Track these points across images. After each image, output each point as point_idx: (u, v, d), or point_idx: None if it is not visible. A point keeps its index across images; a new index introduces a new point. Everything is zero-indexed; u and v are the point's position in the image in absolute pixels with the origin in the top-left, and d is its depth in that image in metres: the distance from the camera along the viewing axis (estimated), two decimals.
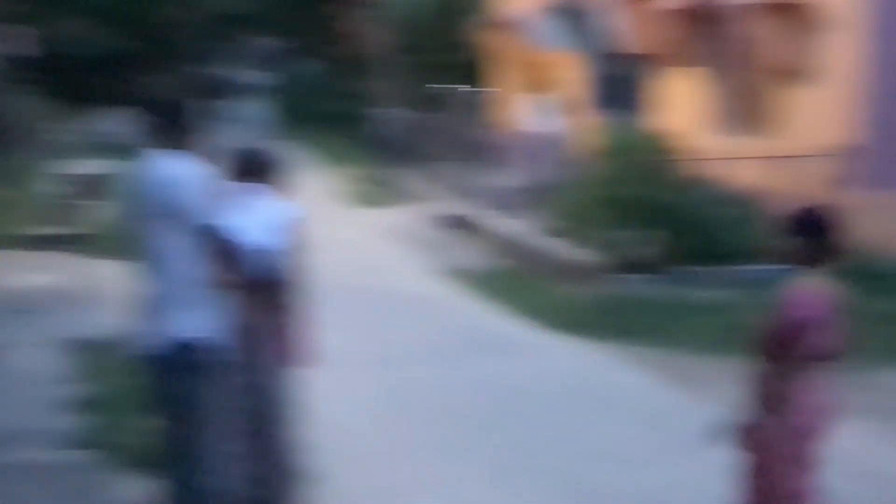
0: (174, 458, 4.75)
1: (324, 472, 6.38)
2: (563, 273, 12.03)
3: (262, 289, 5.08)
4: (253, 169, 5.34)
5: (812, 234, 4.62)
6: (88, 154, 23.30)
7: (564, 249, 12.10)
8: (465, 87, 22.17)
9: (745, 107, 13.96)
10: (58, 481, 6.12)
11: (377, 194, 19.76)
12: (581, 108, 18.33)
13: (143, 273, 4.78)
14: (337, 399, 7.98)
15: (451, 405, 7.93)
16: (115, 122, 27.74)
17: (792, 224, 4.67)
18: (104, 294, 11.10)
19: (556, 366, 9.03)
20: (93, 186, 19.65)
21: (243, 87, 39.03)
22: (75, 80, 30.75)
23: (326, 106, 30.28)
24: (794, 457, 4.65)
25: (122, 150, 24.82)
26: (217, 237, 4.72)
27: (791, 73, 12.80)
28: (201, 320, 4.65)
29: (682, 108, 14.86)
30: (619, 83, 17.91)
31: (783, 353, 4.61)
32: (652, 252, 11.82)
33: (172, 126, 4.80)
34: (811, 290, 4.63)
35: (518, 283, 12.06)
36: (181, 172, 4.65)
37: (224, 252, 4.78)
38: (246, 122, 34.74)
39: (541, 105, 16.43)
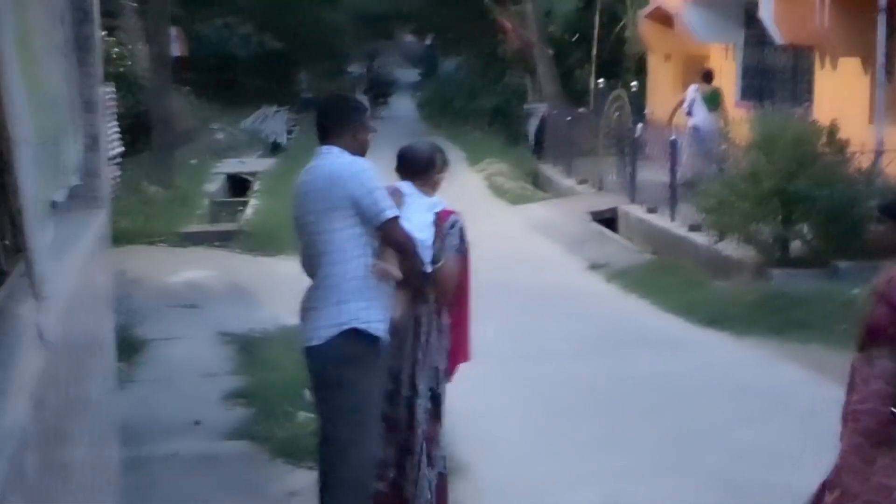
0: (331, 450, 4.84)
1: (475, 465, 6.52)
2: (716, 268, 11.91)
3: (424, 282, 5.19)
4: (410, 166, 5.43)
5: None
6: (241, 153, 24.04)
7: (716, 244, 11.97)
8: (616, 82, 22.08)
9: None
10: (221, 471, 6.38)
11: (527, 190, 19.83)
12: (733, 99, 18.06)
13: (311, 266, 4.90)
14: (489, 393, 8.10)
15: (602, 400, 7.97)
16: (267, 121, 28.42)
17: (887, 212, 4.77)
18: (260, 288, 11.50)
19: (708, 361, 8.97)
20: (247, 184, 20.30)
21: (394, 84, 39.65)
22: (227, 80, 31.66)
23: (475, 102, 30.44)
24: None
25: (273, 148, 25.59)
26: (398, 230, 4.84)
27: None
28: (368, 311, 4.76)
29: (840, 99, 14.51)
30: (777, 74, 17.60)
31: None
32: (806, 246, 11.62)
33: (337, 122, 4.92)
34: None
35: (670, 279, 11.98)
36: (352, 167, 4.77)
37: (402, 245, 4.89)
38: (397, 118, 35.29)
39: (696, 98, 16.22)
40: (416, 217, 5.19)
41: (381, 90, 38.39)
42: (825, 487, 5.02)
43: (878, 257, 4.93)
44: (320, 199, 4.76)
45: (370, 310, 4.75)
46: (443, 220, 5.31)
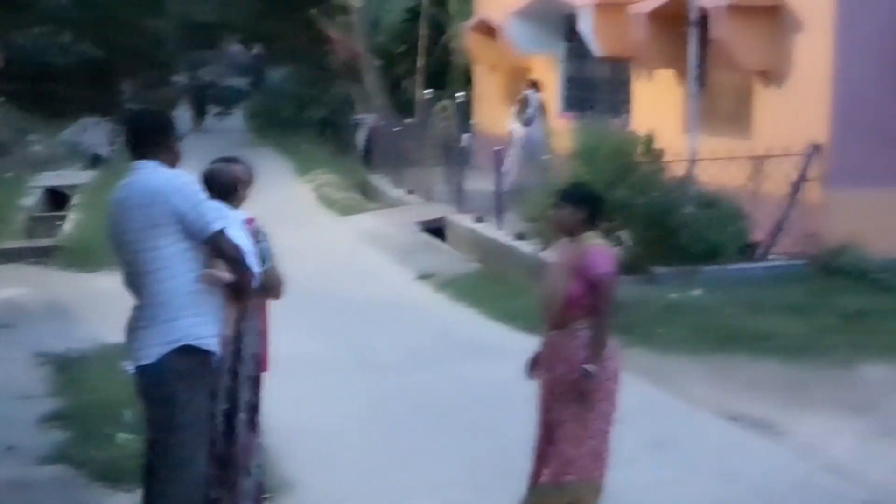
0: (163, 469, 4.75)
1: (304, 480, 6.47)
2: (540, 275, 12.12)
3: (248, 292, 5.15)
4: (215, 188, 5.30)
5: (586, 205, 5.39)
6: (60, 165, 23.32)
7: (541, 252, 12.21)
8: (443, 92, 22.29)
9: (719, 108, 14.11)
10: (34, 497, 6.17)
11: (354, 201, 19.82)
12: (557, 111, 18.47)
13: (136, 285, 4.80)
14: (317, 407, 8.06)
15: (432, 410, 8.02)
16: (87, 133, 27.66)
17: (567, 198, 5.44)
18: (79, 306, 11.18)
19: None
20: (66, 198, 19.70)
21: (218, 95, 39.03)
22: (46, 90, 30.68)
23: (303, 112, 30.27)
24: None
25: (94, 160, 24.89)
26: (226, 241, 4.79)
27: (763, 74, 12.96)
28: (200, 326, 4.70)
29: (656, 109, 14.99)
30: (597, 85, 18.06)
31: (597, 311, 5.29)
32: (626, 253, 11.94)
33: (154, 136, 4.83)
34: (605, 249, 5.41)
35: (497, 287, 12.16)
36: (174, 181, 4.69)
37: (233, 255, 4.84)
38: (220, 129, 34.79)
39: (518, 108, 16.53)
40: (233, 231, 5.15)
41: (206, 101, 37.74)
42: (540, 459, 5.50)
43: (559, 237, 5.62)
44: (141, 216, 4.66)
45: (202, 325, 4.71)
46: (250, 229, 5.33)
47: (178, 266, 4.65)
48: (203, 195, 4.78)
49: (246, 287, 5.04)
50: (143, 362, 4.70)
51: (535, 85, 17.29)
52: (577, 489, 5.40)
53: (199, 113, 33.76)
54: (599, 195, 5.70)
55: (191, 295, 4.68)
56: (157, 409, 4.72)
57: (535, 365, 5.66)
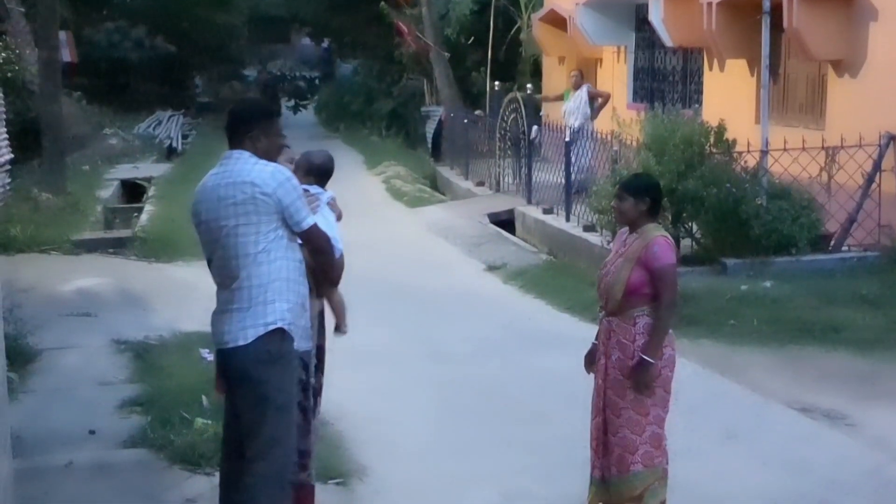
0: (253, 448, 4.84)
1: (374, 467, 6.60)
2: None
3: (332, 281, 5.36)
4: (312, 171, 5.63)
5: (648, 196, 5.50)
6: (135, 158, 23.75)
7: (609, 244, 12.21)
8: (512, 84, 22.32)
9: (791, 98, 14.01)
10: (117, 480, 6.35)
11: (423, 193, 19.95)
12: (625, 101, 18.42)
13: (227, 269, 4.90)
14: (388, 396, 8.19)
15: (500, 401, 8.11)
16: (164, 125, 28.09)
17: (628, 189, 5.53)
18: (155, 295, 11.43)
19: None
20: (141, 190, 20.07)
21: (290, 88, 39.39)
22: (120, 85, 31.23)
23: (373, 105, 30.47)
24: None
25: (168, 153, 25.33)
26: (318, 234, 4.96)
27: (836, 64, 12.84)
28: (291, 312, 4.85)
29: (727, 99, 14.91)
30: (667, 76, 17.99)
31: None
32: (696, 245, 11.93)
33: (249, 126, 4.95)
34: (668, 241, 5.52)
35: (565, 279, 12.19)
36: (278, 176, 4.82)
37: (322, 248, 5.02)
38: (290, 123, 35.11)
39: (588, 100, 16.53)
40: (327, 215, 5.43)
41: (279, 93, 38.09)
42: (598, 449, 5.64)
43: (623, 226, 5.68)
44: (241, 202, 4.79)
45: (293, 311, 4.84)
46: (333, 206, 5.61)
47: (274, 251, 4.80)
48: (300, 191, 4.93)
49: (331, 276, 5.21)
50: (236, 343, 4.80)
51: (602, 76, 17.25)
52: (644, 478, 5.47)
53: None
54: (660, 186, 5.80)
55: (286, 281, 4.83)
56: (250, 390, 4.80)
57: (591, 358, 5.75)
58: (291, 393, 4.92)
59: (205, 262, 5.13)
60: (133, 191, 20.34)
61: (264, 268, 4.80)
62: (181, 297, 11.07)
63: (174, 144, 26.18)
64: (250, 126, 4.95)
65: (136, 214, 17.07)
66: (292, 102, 37.09)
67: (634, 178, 5.90)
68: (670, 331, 5.55)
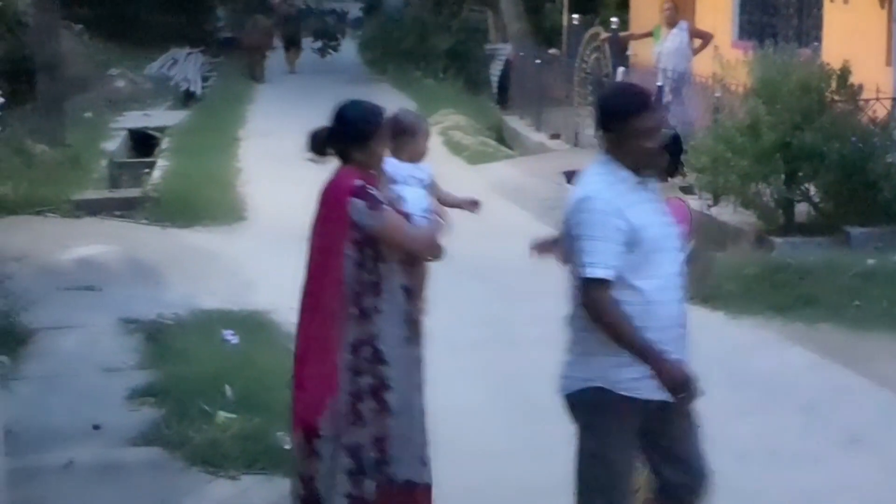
0: None
1: (439, 468, 6.59)
2: (710, 236, 12.05)
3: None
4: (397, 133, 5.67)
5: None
6: (146, 104, 23.92)
7: (710, 208, 12.13)
8: (594, 18, 22.18)
9: None
10: (126, 482, 6.42)
11: (488, 147, 19.91)
12: (729, 38, 18.22)
13: None
14: (450, 388, 8.17)
15: None
16: (180, 66, 28.23)
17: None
18: (170, 267, 11.50)
19: (700, 345, 8.93)
20: (154, 141, 20.21)
21: (316, 24, 39.31)
22: (128, 17, 31.36)
23: (428, 42, 30.40)
24: None
25: (185, 98, 25.45)
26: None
27: None
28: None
29: (852, 37, 14.69)
30: (780, 9, 17.77)
31: None
32: (814, 210, 11.80)
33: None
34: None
35: None
36: None
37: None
38: (335, 62, 35.16)
39: (683, 37, 16.34)
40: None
41: (314, 27, 38.04)
42: None
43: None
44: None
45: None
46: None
47: None
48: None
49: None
50: None
51: (700, 10, 17.07)
52: None
53: (297, 45, 33.92)
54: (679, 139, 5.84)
55: None
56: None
57: None
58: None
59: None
60: (144, 143, 20.50)
61: None
62: (200, 268, 11.15)
63: (192, 88, 26.36)
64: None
65: (147, 170, 17.20)
66: (319, 44, 36.81)
67: None
68: None
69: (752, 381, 8.23)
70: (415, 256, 5.39)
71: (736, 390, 8.02)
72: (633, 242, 4.66)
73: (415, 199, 5.56)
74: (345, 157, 5.31)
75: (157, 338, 8.91)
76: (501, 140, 21.08)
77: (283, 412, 6.75)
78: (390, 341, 5.30)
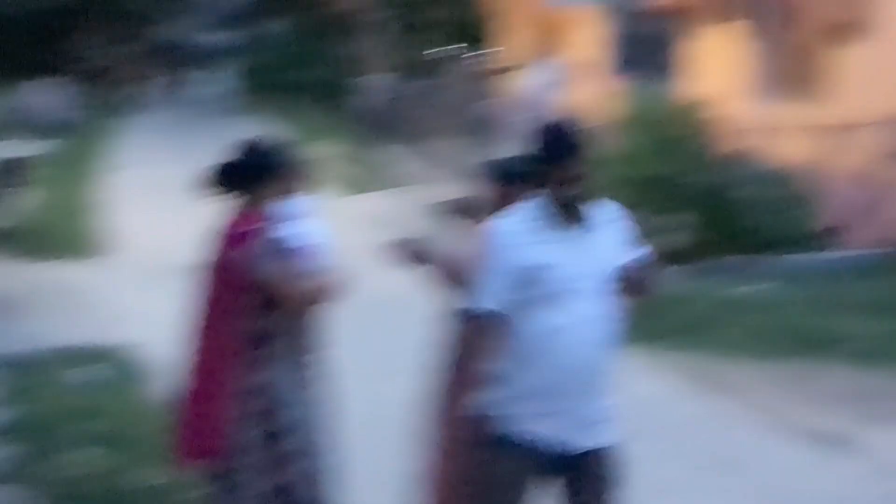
0: None
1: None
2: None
3: None
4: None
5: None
6: (10, 133, 23.43)
7: None
8: (465, 50, 22.34)
9: (790, 69, 14.13)
10: None
11: (362, 177, 19.91)
12: (601, 73, 18.50)
13: None
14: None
15: None
16: (45, 95, 27.74)
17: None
18: (34, 301, 11.29)
19: None
20: (17, 172, 19.75)
21: (202, 52, 39.05)
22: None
23: (300, 73, 30.36)
24: None
25: (55, 127, 24.98)
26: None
27: (841, 30, 12.94)
28: None
29: (717, 71, 15.02)
30: (646, 43, 18.08)
31: None
32: (682, 240, 12.00)
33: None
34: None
35: None
36: None
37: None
38: (211, 93, 34.90)
39: (554, 70, 16.57)
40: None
41: (188, 59, 37.72)
42: None
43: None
44: None
45: None
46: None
47: None
48: None
49: None
50: None
51: (570, 44, 17.34)
52: None
53: (173, 75, 33.61)
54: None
55: None
56: None
57: None
58: None
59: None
60: (6, 173, 20.03)
61: None
62: (66, 302, 10.96)
63: (59, 117, 25.90)
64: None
65: (15, 201, 16.82)
66: (192, 76, 36.43)
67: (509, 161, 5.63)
68: None
69: (624, 409, 8.31)
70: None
71: None
72: (530, 280, 4.53)
73: (309, 234, 5.44)
74: (245, 194, 5.20)
75: (20, 373, 8.74)
76: (376, 170, 21.10)
77: (150, 448, 6.68)
78: (287, 386, 5.22)
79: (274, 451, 5.19)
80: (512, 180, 5.28)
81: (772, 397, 8.62)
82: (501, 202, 5.20)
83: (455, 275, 5.21)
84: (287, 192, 5.35)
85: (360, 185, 19.01)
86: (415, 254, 5.12)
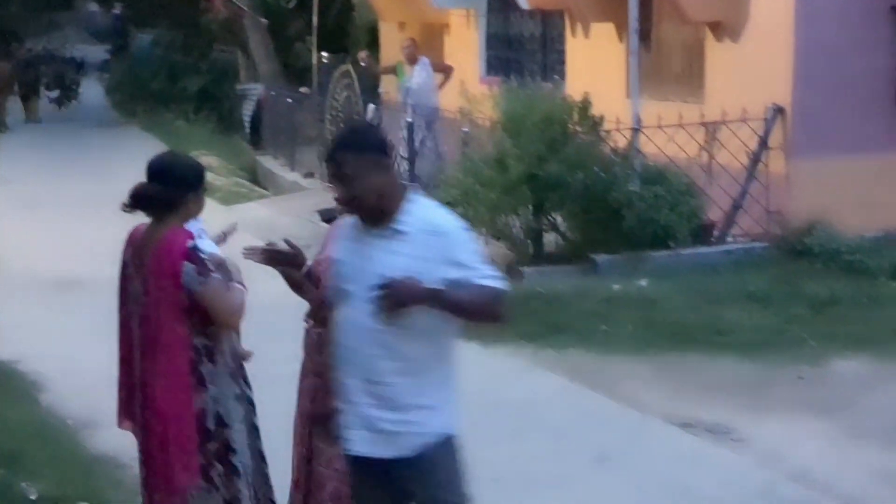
0: None
1: None
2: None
3: None
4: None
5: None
6: None
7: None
8: (344, 56, 22.33)
9: (665, 67, 14.36)
10: None
11: (242, 187, 19.81)
12: (476, 74, 18.63)
13: None
14: None
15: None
16: None
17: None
18: None
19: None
20: None
21: (68, 68, 38.43)
22: None
23: (176, 84, 30.09)
24: None
25: None
26: None
27: (716, 27, 13.20)
28: None
29: (593, 70, 15.20)
30: (525, 44, 18.25)
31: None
32: (561, 239, 12.15)
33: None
34: None
35: None
36: None
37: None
38: (81, 107, 34.39)
39: (427, 73, 16.64)
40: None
41: (63, 81, 36.98)
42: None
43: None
44: None
45: None
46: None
47: None
48: None
49: None
50: None
51: (446, 45, 17.42)
52: None
53: (36, 92, 32.91)
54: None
55: None
56: None
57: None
58: None
59: None
60: None
61: None
62: None
63: None
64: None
65: None
66: (56, 93, 35.76)
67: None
68: None
69: (506, 408, 8.41)
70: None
71: (490, 417, 8.18)
72: (335, 274, 4.65)
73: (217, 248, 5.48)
74: (166, 213, 5.12)
75: None
76: (255, 180, 21.03)
77: (28, 463, 6.62)
78: (228, 403, 5.20)
79: (222, 468, 5.18)
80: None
81: (653, 391, 8.77)
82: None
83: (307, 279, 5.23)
84: (201, 209, 5.39)
85: (238, 195, 18.91)
86: (272, 257, 5.14)
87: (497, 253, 12.08)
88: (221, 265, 5.18)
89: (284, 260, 5.05)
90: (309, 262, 5.16)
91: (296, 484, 5.65)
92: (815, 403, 8.37)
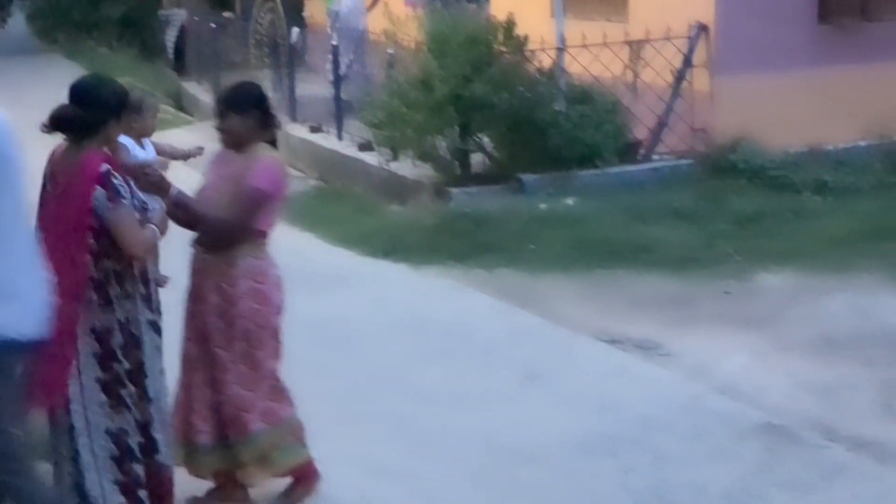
0: None
1: None
2: (391, 191, 12.24)
3: None
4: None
5: (253, 109, 5.66)
6: None
7: (389, 164, 12.30)
8: None
9: None
10: None
11: (167, 114, 19.53)
12: None
13: None
14: None
15: None
16: None
17: (231, 106, 5.66)
18: None
19: (385, 297, 9.26)
20: None
21: None
22: None
23: (98, 10, 29.57)
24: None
25: None
26: None
27: None
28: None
29: None
30: None
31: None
32: (488, 160, 12.13)
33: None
34: (274, 163, 5.67)
35: (339, 207, 12.25)
36: None
37: None
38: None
39: None
40: None
41: None
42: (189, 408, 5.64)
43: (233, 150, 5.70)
44: None
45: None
46: None
47: None
48: None
49: None
50: None
51: None
52: (268, 436, 5.56)
53: None
54: (266, 97, 5.89)
55: None
56: None
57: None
58: None
59: None
60: None
61: None
62: None
63: None
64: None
65: None
66: None
67: (237, 91, 5.89)
68: (278, 273, 5.81)
69: (436, 328, 8.43)
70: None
71: (420, 337, 8.23)
72: None
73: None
74: (85, 136, 4.97)
75: None
76: (180, 106, 20.76)
77: None
78: (140, 327, 5.11)
79: (133, 389, 5.10)
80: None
81: (581, 308, 8.82)
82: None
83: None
84: (125, 133, 5.33)
85: (163, 121, 18.63)
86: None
87: (425, 175, 12.05)
88: (148, 177, 5.34)
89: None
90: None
91: (196, 412, 5.63)
92: (741, 317, 8.45)
